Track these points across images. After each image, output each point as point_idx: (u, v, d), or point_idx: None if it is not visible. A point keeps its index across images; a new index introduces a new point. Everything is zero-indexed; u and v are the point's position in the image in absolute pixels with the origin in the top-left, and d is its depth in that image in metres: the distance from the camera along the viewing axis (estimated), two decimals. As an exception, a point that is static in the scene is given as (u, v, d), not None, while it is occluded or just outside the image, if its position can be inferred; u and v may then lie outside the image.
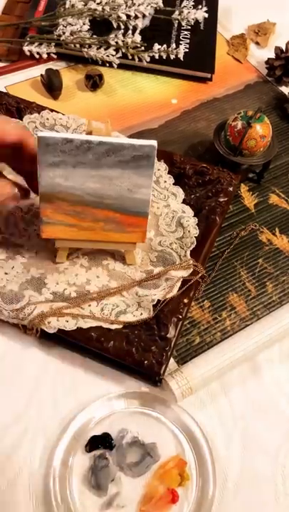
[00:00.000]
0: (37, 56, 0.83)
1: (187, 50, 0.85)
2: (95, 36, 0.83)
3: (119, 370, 0.56)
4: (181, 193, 0.65)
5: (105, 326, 0.54)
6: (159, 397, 0.54)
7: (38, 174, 0.51)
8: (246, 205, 0.71)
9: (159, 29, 0.87)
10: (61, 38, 0.82)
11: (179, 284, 0.57)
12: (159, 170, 0.66)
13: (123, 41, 0.81)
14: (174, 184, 0.65)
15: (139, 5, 0.84)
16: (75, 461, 0.51)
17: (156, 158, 0.51)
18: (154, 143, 0.50)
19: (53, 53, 0.84)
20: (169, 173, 0.66)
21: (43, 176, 0.51)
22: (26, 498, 0.49)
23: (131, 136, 0.76)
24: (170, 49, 0.82)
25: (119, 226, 0.55)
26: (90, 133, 0.57)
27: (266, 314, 0.61)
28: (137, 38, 0.82)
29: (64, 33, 0.82)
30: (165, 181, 0.65)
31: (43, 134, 0.48)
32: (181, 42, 0.86)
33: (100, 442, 0.51)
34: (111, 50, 0.82)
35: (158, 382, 0.54)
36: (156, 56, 0.82)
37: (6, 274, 0.57)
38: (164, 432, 0.53)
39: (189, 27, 0.89)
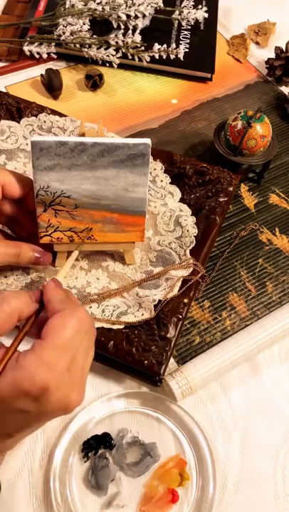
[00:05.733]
0: (37, 56, 0.83)
1: (187, 50, 0.85)
2: (95, 36, 0.83)
3: (119, 370, 0.56)
4: (178, 192, 0.65)
5: (106, 326, 0.54)
6: (159, 397, 0.54)
7: (33, 179, 0.50)
8: (246, 205, 0.71)
9: (159, 29, 0.87)
10: (61, 38, 0.82)
11: (179, 283, 0.57)
12: (155, 169, 0.65)
13: (123, 41, 0.81)
14: (171, 183, 0.65)
15: (139, 5, 0.84)
16: (75, 461, 0.51)
17: (150, 155, 0.51)
18: (147, 141, 0.49)
19: (53, 53, 0.84)
20: (169, 172, 0.66)
21: (39, 180, 0.50)
22: (26, 498, 0.49)
23: (131, 136, 0.76)
24: (170, 49, 0.82)
25: (117, 226, 0.55)
26: (82, 135, 0.57)
27: (266, 314, 0.61)
28: (137, 38, 0.81)
29: (64, 33, 0.82)
30: (161, 180, 0.65)
31: (36, 139, 0.48)
32: (181, 42, 0.86)
33: (100, 442, 0.51)
34: (111, 50, 0.82)
35: (158, 382, 0.54)
36: (156, 56, 0.82)
37: (5, 277, 0.57)
38: (164, 432, 0.53)
39: (189, 27, 0.88)
